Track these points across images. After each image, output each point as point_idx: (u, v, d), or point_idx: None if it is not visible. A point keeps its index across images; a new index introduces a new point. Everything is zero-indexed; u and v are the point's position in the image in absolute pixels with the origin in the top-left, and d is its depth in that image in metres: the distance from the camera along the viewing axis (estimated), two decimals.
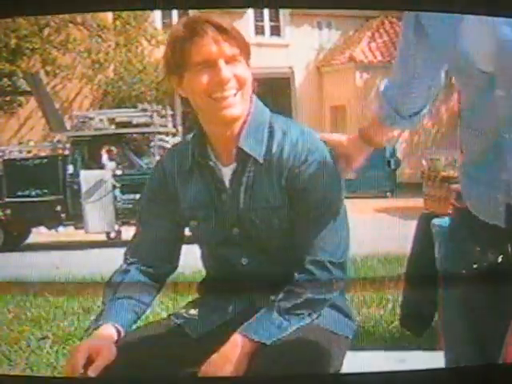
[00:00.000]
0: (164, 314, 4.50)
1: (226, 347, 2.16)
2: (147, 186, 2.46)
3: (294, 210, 2.25)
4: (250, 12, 18.24)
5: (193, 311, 2.37)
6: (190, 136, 2.37)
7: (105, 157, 12.17)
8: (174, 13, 18.71)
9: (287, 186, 2.23)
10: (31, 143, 14.77)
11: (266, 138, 2.26)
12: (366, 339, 4.24)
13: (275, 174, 2.24)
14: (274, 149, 2.24)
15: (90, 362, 2.12)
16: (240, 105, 2.22)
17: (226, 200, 2.29)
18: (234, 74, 2.19)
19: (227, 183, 2.28)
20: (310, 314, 2.22)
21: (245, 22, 16.80)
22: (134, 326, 2.36)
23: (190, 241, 2.43)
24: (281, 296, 2.21)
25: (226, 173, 2.29)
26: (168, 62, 2.26)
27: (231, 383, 2.20)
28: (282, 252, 2.29)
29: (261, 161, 2.24)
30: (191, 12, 2.57)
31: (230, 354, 2.15)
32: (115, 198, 11.76)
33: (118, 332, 2.22)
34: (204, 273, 2.48)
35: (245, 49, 2.23)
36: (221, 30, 2.17)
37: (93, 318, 5.42)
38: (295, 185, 2.23)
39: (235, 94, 2.20)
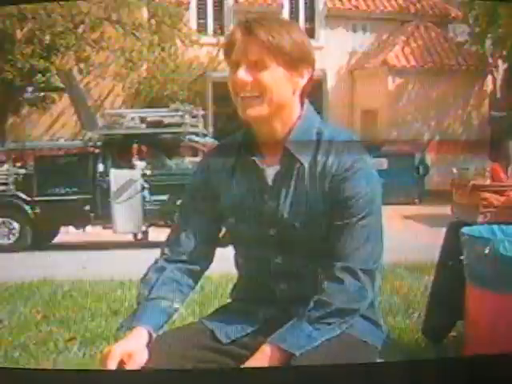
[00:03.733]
0: (191, 318, 4.45)
1: (256, 356, 2.16)
2: (191, 181, 2.48)
3: (334, 216, 2.24)
4: (286, 14, 18.23)
5: (224, 316, 2.37)
6: (239, 134, 2.38)
7: (135, 156, 12.23)
8: (210, 14, 18.82)
9: (330, 191, 2.23)
10: (62, 140, 14.97)
11: (313, 143, 2.26)
12: (391, 348, 4.25)
13: (319, 179, 2.24)
14: (320, 154, 2.24)
15: (121, 364, 2.13)
16: (260, 108, 2.21)
17: (266, 200, 2.29)
18: (256, 78, 2.19)
19: (270, 183, 2.29)
20: (340, 324, 2.20)
21: None
22: (166, 327, 2.36)
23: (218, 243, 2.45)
24: (311, 305, 2.19)
25: (270, 173, 2.29)
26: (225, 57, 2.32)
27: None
28: (320, 257, 2.27)
29: (306, 164, 2.24)
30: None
31: (260, 364, 2.14)
32: (144, 198, 11.73)
33: (150, 335, 2.21)
34: (232, 276, 2.50)
35: (291, 55, 2.21)
36: (248, 33, 2.20)
37: (124, 317, 5.43)
38: (338, 191, 2.22)
39: (257, 97, 2.21)
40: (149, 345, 2.20)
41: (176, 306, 2.32)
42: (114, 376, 2.16)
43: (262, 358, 2.14)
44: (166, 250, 2.41)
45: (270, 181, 2.28)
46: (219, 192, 2.36)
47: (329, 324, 2.18)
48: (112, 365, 2.11)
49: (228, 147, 2.42)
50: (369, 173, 2.27)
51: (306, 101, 2.30)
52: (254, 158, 2.30)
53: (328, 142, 2.25)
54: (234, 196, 2.33)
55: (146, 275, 2.38)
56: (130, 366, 2.13)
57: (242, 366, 2.18)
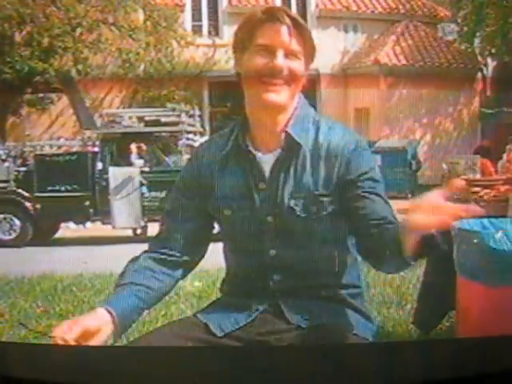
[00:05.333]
0: (189, 312, 4.49)
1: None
2: (180, 176, 2.47)
3: (345, 193, 2.25)
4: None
5: (217, 310, 2.36)
6: (229, 127, 2.40)
7: (133, 154, 12.33)
8: (204, 16, 18.98)
9: (340, 173, 2.25)
10: (62, 140, 14.95)
11: (312, 129, 2.29)
12: (385, 340, 4.22)
13: (324, 163, 2.26)
14: (321, 139, 2.27)
15: (80, 339, 2.12)
16: (284, 95, 2.24)
17: (263, 188, 2.29)
18: (289, 66, 2.21)
19: (267, 171, 2.28)
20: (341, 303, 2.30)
21: None
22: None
23: (216, 238, 2.42)
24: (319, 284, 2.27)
25: (267, 161, 2.29)
26: (235, 39, 2.31)
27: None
28: (314, 245, 2.29)
29: (307, 148, 2.26)
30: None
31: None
32: (142, 194, 11.87)
33: (112, 316, 2.20)
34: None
35: (310, 51, 2.27)
36: (295, 24, 2.22)
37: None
38: (349, 170, 2.25)
39: (284, 84, 2.23)
40: (110, 325, 2.19)
41: (150, 291, 2.31)
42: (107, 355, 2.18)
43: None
44: (150, 244, 2.42)
45: (266, 168, 2.28)
46: (211, 186, 2.35)
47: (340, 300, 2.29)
48: (73, 335, 2.10)
49: (219, 139, 2.40)
50: (370, 153, 2.32)
51: (301, 94, 2.33)
52: (247, 146, 2.31)
53: (327, 129, 2.28)
54: (228, 187, 2.33)
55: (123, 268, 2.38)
56: (83, 342, 2.11)
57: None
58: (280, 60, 2.20)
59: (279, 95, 2.23)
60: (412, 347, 2.36)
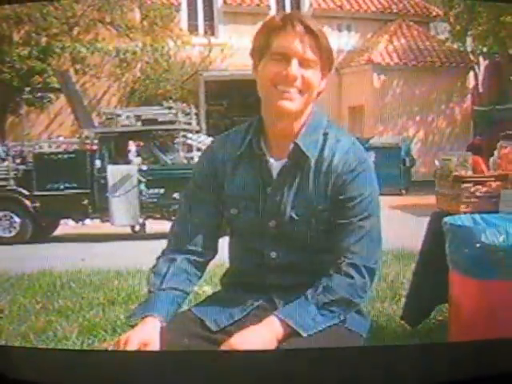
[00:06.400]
0: (185, 306, 4.73)
1: (261, 326, 2.18)
2: (195, 172, 2.47)
3: (336, 215, 2.27)
4: (273, 12, 18.46)
5: (213, 305, 2.38)
6: (244, 125, 2.41)
7: (131, 152, 12.32)
8: (200, 15, 19.06)
9: (333, 191, 2.26)
10: (61, 138, 14.98)
11: (320, 141, 2.29)
12: (378, 334, 4.19)
13: (324, 176, 2.27)
14: (326, 153, 2.27)
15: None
16: (298, 103, 2.24)
17: (270, 193, 2.30)
18: (303, 75, 2.22)
19: (274, 177, 2.30)
20: (340, 315, 2.24)
21: None
22: None
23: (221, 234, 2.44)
24: (320, 290, 2.23)
25: (276, 167, 2.30)
26: (253, 45, 2.31)
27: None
28: (312, 252, 2.31)
29: (313, 161, 2.26)
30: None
31: (263, 334, 2.16)
32: (140, 192, 11.89)
33: (161, 324, 2.22)
34: (226, 266, 2.50)
35: (325, 59, 2.27)
36: (309, 32, 2.22)
37: (121, 307, 5.37)
38: (342, 191, 2.26)
39: (297, 93, 2.23)
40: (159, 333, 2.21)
41: (185, 296, 2.34)
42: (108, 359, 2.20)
43: (267, 328, 2.18)
44: (173, 241, 2.41)
45: (274, 174, 2.30)
46: (223, 182, 2.36)
47: (332, 312, 2.22)
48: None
49: (234, 137, 2.40)
50: (371, 175, 2.30)
51: (314, 104, 2.35)
52: (262, 150, 2.31)
53: (334, 142, 2.28)
54: (237, 187, 2.34)
55: (156, 266, 2.38)
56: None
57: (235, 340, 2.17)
58: (294, 68, 2.21)
59: (293, 103, 2.23)
60: (409, 351, 2.40)
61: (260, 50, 2.28)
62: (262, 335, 2.16)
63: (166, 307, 2.26)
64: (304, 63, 2.22)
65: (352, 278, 2.23)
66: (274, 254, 2.33)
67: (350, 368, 2.16)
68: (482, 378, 2.12)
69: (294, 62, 2.21)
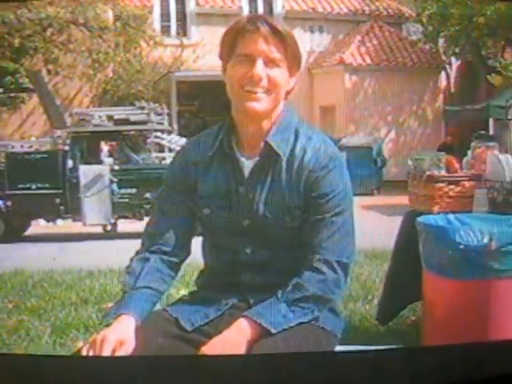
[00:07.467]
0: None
1: (230, 330, 2.19)
2: (167, 173, 2.49)
3: (309, 211, 2.29)
4: (246, 13, 18.46)
5: (187, 304, 2.39)
6: (216, 126, 2.42)
7: (103, 152, 12.41)
8: (173, 16, 19.11)
9: (305, 189, 2.28)
10: (33, 138, 14.99)
11: (291, 139, 2.31)
12: (351, 334, 4.26)
13: (295, 175, 2.29)
14: (298, 150, 2.29)
15: (112, 351, 2.14)
16: (266, 103, 2.26)
17: (242, 192, 2.32)
18: (268, 75, 2.24)
19: (247, 176, 2.32)
20: (313, 311, 2.26)
21: None
22: None
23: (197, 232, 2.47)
24: (289, 288, 2.24)
25: (248, 166, 2.33)
26: (221, 47, 2.34)
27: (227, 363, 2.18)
28: (286, 250, 2.33)
29: (284, 159, 2.29)
30: None
31: (233, 338, 2.18)
32: (112, 192, 11.91)
33: (136, 323, 2.23)
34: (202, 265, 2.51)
35: (292, 57, 2.29)
36: (273, 31, 2.24)
37: (93, 306, 5.44)
38: (314, 188, 2.28)
39: (264, 93, 2.25)
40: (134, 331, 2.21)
41: (159, 295, 2.35)
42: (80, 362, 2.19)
43: (237, 331, 2.19)
44: (147, 242, 2.41)
45: (246, 173, 2.32)
46: (196, 183, 2.38)
47: (303, 308, 2.24)
48: (107, 351, 2.13)
49: (206, 138, 2.41)
50: (343, 171, 2.33)
51: (285, 102, 2.37)
52: (233, 150, 2.34)
53: (305, 139, 2.31)
54: (210, 187, 2.36)
55: (130, 265, 2.38)
56: (120, 353, 2.14)
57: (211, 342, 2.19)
58: (259, 69, 2.24)
59: (260, 103, 2.26)
60: (397, 355, 2.41)
61: (227, 52, 2.32)
62: (231, 339, 2.18)
63: (140, 305, 2.27)
64: (269, 63, 2.25)
65: (323, 273, 2.26)
66: (248, 250, 2.36)
67: (333, 370, 2.19)
68: (469, 381, 2.17)
69: (259, 62, 2.24)
